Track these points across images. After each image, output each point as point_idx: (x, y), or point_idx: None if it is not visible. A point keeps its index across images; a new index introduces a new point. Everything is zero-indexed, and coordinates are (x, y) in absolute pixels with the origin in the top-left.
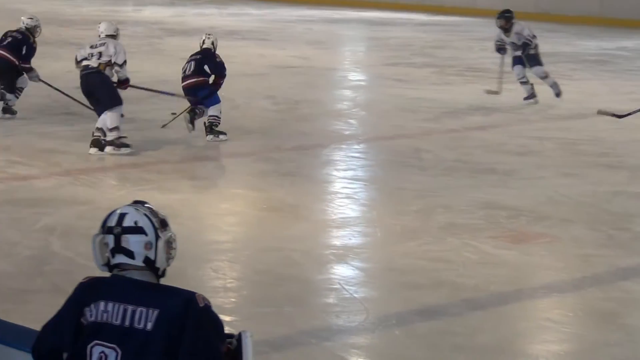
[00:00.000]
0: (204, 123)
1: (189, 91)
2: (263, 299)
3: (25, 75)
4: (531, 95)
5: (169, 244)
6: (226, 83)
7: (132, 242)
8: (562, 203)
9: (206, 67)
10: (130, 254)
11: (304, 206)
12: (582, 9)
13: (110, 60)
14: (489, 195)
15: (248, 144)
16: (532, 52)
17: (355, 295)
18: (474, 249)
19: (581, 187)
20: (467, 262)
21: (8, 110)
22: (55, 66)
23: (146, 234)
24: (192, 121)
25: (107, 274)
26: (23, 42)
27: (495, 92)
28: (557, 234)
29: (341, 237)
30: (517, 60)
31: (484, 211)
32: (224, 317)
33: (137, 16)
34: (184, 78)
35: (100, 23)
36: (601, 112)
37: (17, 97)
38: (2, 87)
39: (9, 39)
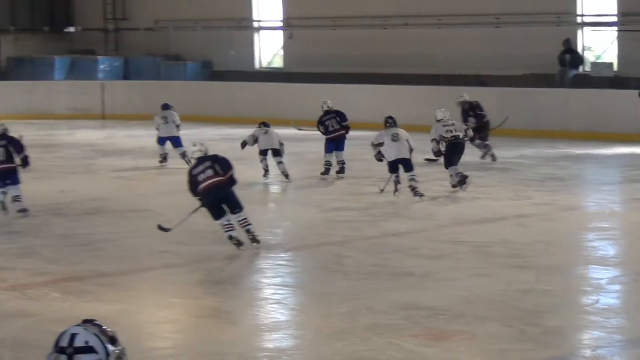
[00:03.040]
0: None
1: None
2: None
3: None
4: None
5: (119, 359)
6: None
7: None
8: (476, 302)
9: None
10: None
11: (237, 312)
12: None
13: None
14: (408, 296)
15: (182, 254)
16: None
17: None
18: (397, 347)
19: (493, 287)
20: None
21: None
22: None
23: (97, 352)
24: None
25: None
26: None
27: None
28: (473, 330)
29: (273, 340)
30: None
31: (404, 311)
32: None
33: (70, 139)
34: None
35: (438, 110)
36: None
37: None
38: None
39: None
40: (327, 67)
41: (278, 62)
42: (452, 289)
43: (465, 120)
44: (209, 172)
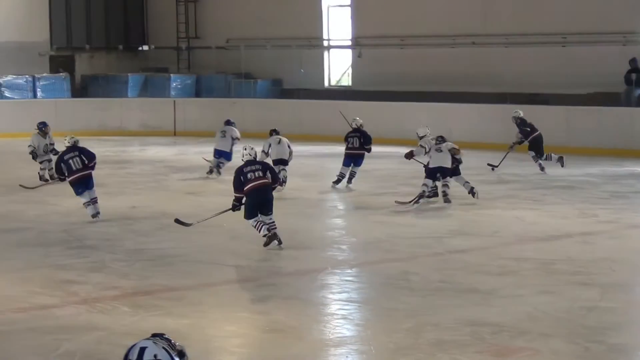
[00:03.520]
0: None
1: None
2: None
3: None
4: None
5: None
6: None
7: None
8: (540, 319)
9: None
10: None
11: (303, 327)
12: (550, 140)
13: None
14: (473, 313)
15: (250, 270)
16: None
17: None
18: None
19: (558, 304)
20: None
21: None
22: (71, 202)
23: None
24: None
25: None
26: None
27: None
28: (538, 347)
29: (339, 356)
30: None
31: (469, 328)
32: None
33: (142, 155)
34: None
35: (420, 127)
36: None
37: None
38: None
39: None
40: (394, 86)
41: (346, 81)
42: (516, 305)
43: None
44: (259, 174)
